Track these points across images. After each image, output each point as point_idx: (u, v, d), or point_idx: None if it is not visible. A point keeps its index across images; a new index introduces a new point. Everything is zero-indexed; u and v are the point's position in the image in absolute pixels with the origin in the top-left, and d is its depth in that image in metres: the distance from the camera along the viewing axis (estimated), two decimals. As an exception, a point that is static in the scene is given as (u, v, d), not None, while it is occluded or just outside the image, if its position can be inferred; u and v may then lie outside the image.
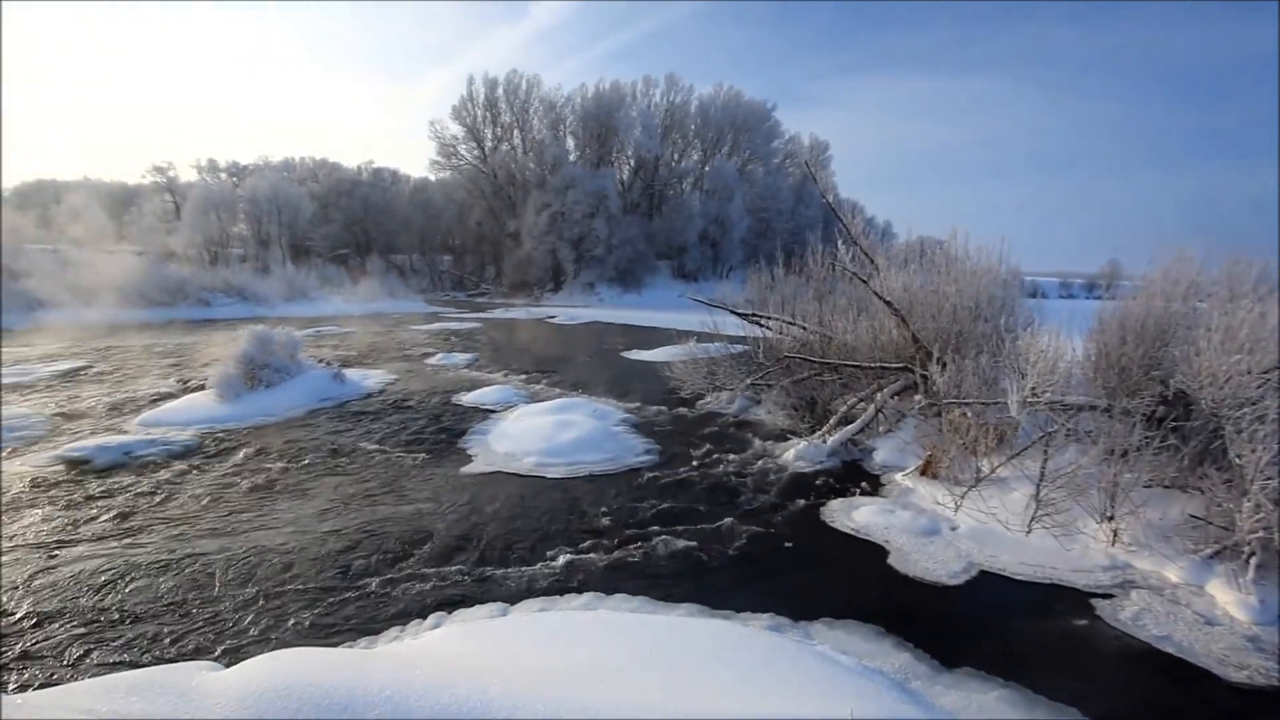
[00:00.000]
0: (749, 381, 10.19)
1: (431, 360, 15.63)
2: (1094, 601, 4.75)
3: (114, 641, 4.08)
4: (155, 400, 10.55)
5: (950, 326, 7.97)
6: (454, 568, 5.16)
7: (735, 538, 5.82)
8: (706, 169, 45.77)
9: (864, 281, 8.53)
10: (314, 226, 42.70)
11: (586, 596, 4.77)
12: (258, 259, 37.90)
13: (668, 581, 5.01)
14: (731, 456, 8.16)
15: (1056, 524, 5.47)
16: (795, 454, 7.96)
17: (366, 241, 44.80)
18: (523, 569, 5.16)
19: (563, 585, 4.92)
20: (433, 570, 5.11)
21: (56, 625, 4.24)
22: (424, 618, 4.47)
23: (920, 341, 7.97)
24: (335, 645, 4.07)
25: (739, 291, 14.03)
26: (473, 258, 47.22)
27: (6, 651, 3.93)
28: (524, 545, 5.58)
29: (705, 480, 7.32)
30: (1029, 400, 5.70)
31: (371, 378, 12.74)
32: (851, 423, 8.29)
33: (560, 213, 38.44)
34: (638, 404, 10.93)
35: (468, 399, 11.01)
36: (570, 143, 44.17)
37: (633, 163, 45.83)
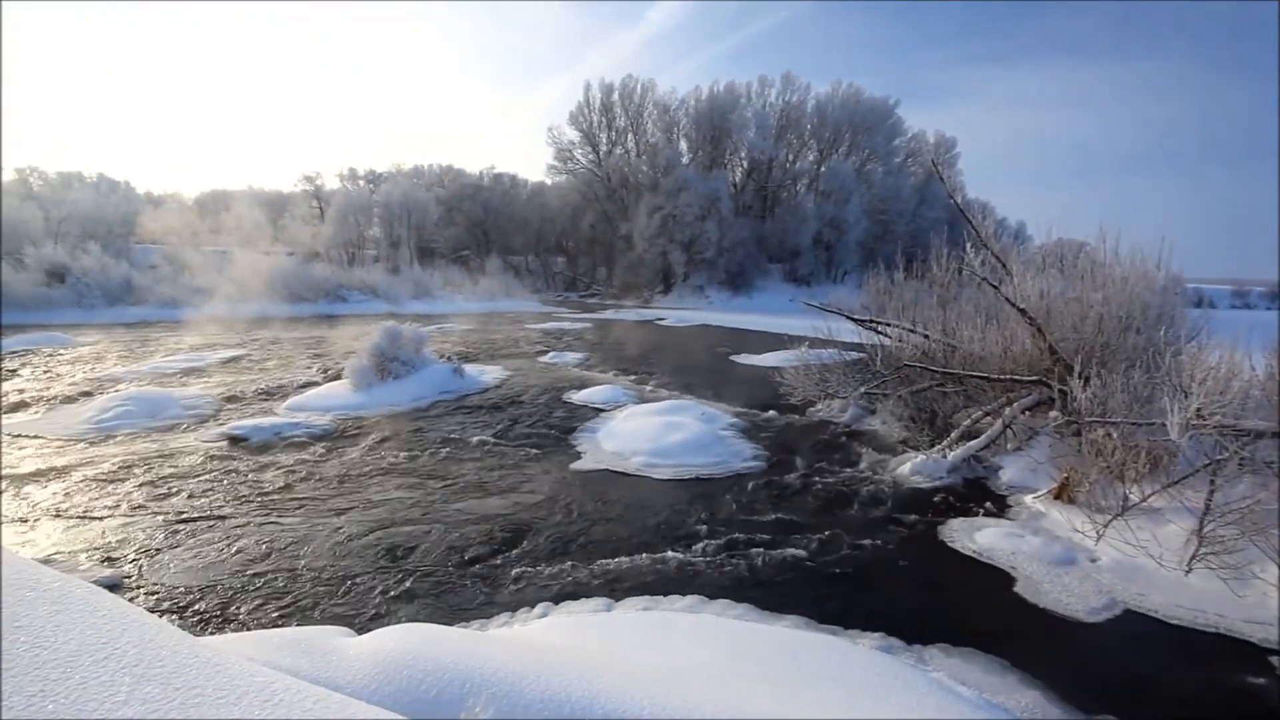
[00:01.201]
0: (863, 390, 9.77)
1: (544, 358, 16.22)
2: (1275, 660, 4.15)
3: (263, 601, 4.55)
4: (300, 387, 11.67)
5: (1095, 338, 7.25)
6: (561, 561, 5.32)
7: (845, 550, 5.60)
8: (822, 170, 44.38)
9: (995, 288, 7.94)
10: (439, 229, 45.57)
11: (690, 599, 4.76)
12: (389, 259, 41.02)
13: (773, 590, 4.90)
14: (842, 467, 7.86)
15: (1224, 565, 4.82)
16: (912, 468, 7.54)
17: (486, 243, 47.19)
18: (627, 566, 5.23)
19: (667, 586, 4.94)
20: (541, 561, 5.30)
21: (216, 583, 4.78)
22: (532, 607, 4.63)
23: (1058, 353, 7.31)
24: (451, 624, 4.31)
25: (854, 296, 13.53)
26: (585, 259, 48.53)
27: (182, 600, 4.49)
28: (629, 543, 5.66)
29: (814, 489, 7.10)
30: (1193, 423, 5.06)
31: (488, 373, 13.40)
32: (975, 438, 7.74)
33: (672, 215, 38.64)
34: (746, 408, 10.79)
35: (578, 397, 11.32)
36: (683, 145, 44.31)
37: (746, 164, 45.26)
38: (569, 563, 5.28)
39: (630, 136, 45.83)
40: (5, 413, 9.52)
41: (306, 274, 31.30)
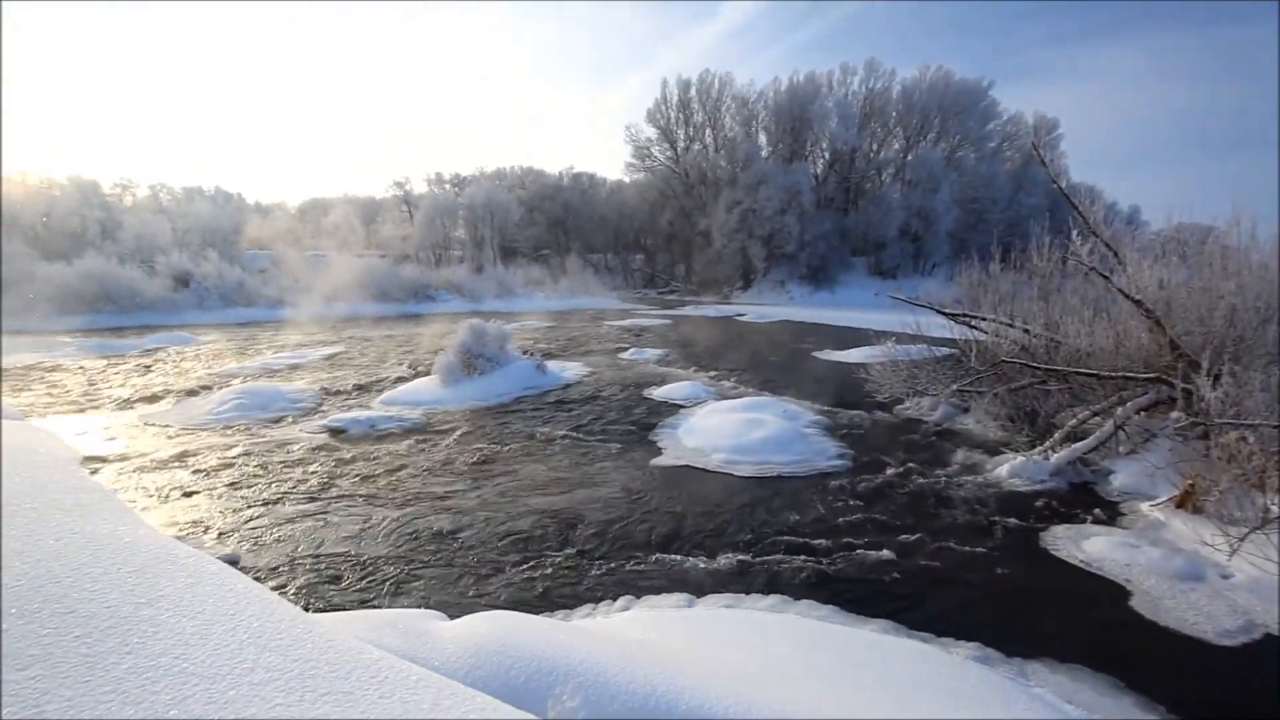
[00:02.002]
0: (955, 387, 9.30)
1: (624, 355, 16.38)
2: None
3: (359, 582, 4.82)
4: (393, 382, 12.29)
5: (1226, 331, 6.59)
6: (641, 555, 5.36)
7: (935, 555, 5.36)
8: (909, 158, 42.59)
9: (1105, 278, 7.36)
10: (520, 229, 46.91)
11: (773, 599, 4.69)
12: (473, 259, 42.59)
13: (859, 593, 4.75)
14: (933, 467, 7.52)
15: (1383, 585, 4.29)
16: (1010, 470, 7.12)
17: (566, 242, 48.16)
18: (708, 563, 5.21)
19: (748, 584, 4.88)
20: (622, 555, 5.35)
21: (319, 563, 5.11)
22: (613, 599, 4.69)
23: (1181, 349, 6.69)
24: (536, 613, 4.42)
25: (944, 290, 12.89)
26: (664, 256, 48.67)
27: (289, 578, 4.83)
28: (710, 540, 5.63)
29: (902, 490, 6.83)
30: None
31: (569, 370, 13.66)
32: (1082, 439, 7.21)
33: (751, 210, 38.13)
34: (830, 406, 10.51)
35: (658, 393, 11.36)
36: (762, 139, 43.61)
37: (828, 156, 44.05)
38: (650, 557, 5.31)
39: (708, 132, 45.57)
40: (144, 403, 10.53)
41: (396, 275, 33.04)
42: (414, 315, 28.12)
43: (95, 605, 2.09)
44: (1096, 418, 7.36)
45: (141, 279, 26.54)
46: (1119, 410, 7.08)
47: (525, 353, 13.42)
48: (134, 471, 7.13)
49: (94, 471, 6.95)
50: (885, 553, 5.36)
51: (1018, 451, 7.55)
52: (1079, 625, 4.38)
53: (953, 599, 4.71)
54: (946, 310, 9.92)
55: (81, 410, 10.04)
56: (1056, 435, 7.49)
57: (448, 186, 53.01)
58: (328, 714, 1.77)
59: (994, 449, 8.05)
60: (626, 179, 50.94)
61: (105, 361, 14.93)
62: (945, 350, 10.51)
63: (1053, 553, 5.43)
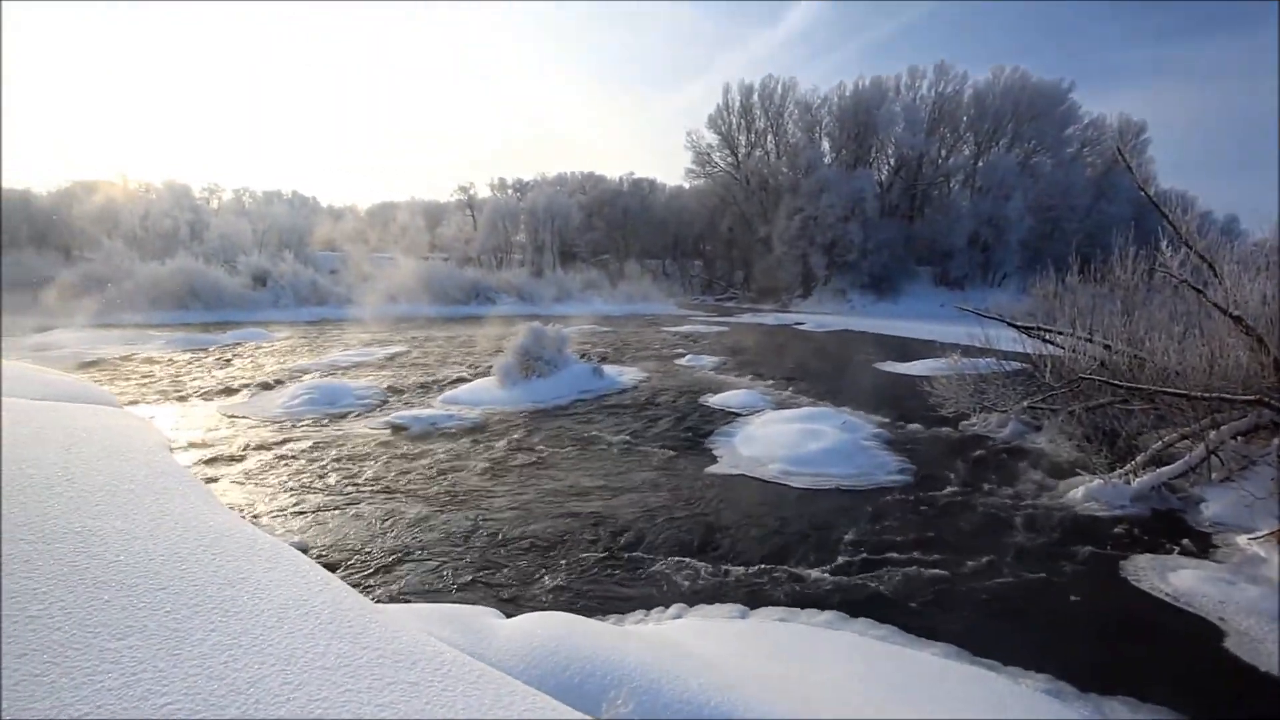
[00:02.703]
0: (1027, 404, 8.89)
1: (680, 361, 16.35)
2: None
3: (418, 576, 4.95)
4: (453, 382, 12.61)
5: (1336, 352, 6.06)
6: (695, 563, 5.31)
7: (1003, 578, 5.12)
8: (979, 164, 41.09)
9: (1199, 291, 6.90)
10: (580, 234, 47.54)
11: (828, 614, 4.57)
12: (533, 263, 43.42)
13: (919, 614, 4.58)
14: (1000, 486, 7.21)
15: None
16: (1086, 493, 6.75)
17: (625, 247, 48.52)
18: (762, 574, 5.12)
19: (803, 598, 4.77)
20: (675, 561, 5.32)
21: (380, 554, 5.27)
22: (665, 606, 4.66)
23: (1284, 369, 6.20)
24: (588, 615, 4.43)
25: (1015, 302, 12.35)
26: (722, 263, 48.46)
27: (353, 567, 5.00)
28: (765, 551, 5.54)
29: (967, 509, 6.57)
30: None
31: (626, 374, 13.73)
32: (1168, 463, 6.77)
33: (812, 217, 37.53)
34: (891, 419, 10.21)
35: (714, 400, 11.28)
36: (825, 145, 42.88)
37: (893, 162, 42.95)
38: (703, 565, 5.26)
39: (770, 137, 45.14)
40: (223, 395, 11.15)
41: (458, 277, 34.01)
42: (474, 317, 28.82)
43: (184, 583, 2.22)
44: (1185, 441, 6.90)
45: (224, 277, 28.14)
46: (1212, 434, 6.62)
47: (582, 356, 13.56)
48: (214, 459, 7.54)
49: (182, 459, 7.39)
50: (948, 573, 5.15)
51: (1095, 474, 7.15)
52: (1164, 664, 4.10)
53: (1022, 626, 4.48)
54: (1019, 323, 9.49)
55: (169, 400, 10.69)
56: (1140, 458, 7.05)
57: (510, 191, 54.29)
58: (394, 702, 1.82)
59: (1068, 470, 7.64)
60: (686, 185, 51.01)
61: (190, 355, 15.88)
62: (1015, 365, 10.06)
63: (1134, 584, 5.11)
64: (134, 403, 10.20)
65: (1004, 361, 10.18)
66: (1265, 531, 5.63)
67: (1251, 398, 6.24)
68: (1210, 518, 6.27)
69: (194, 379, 12.59)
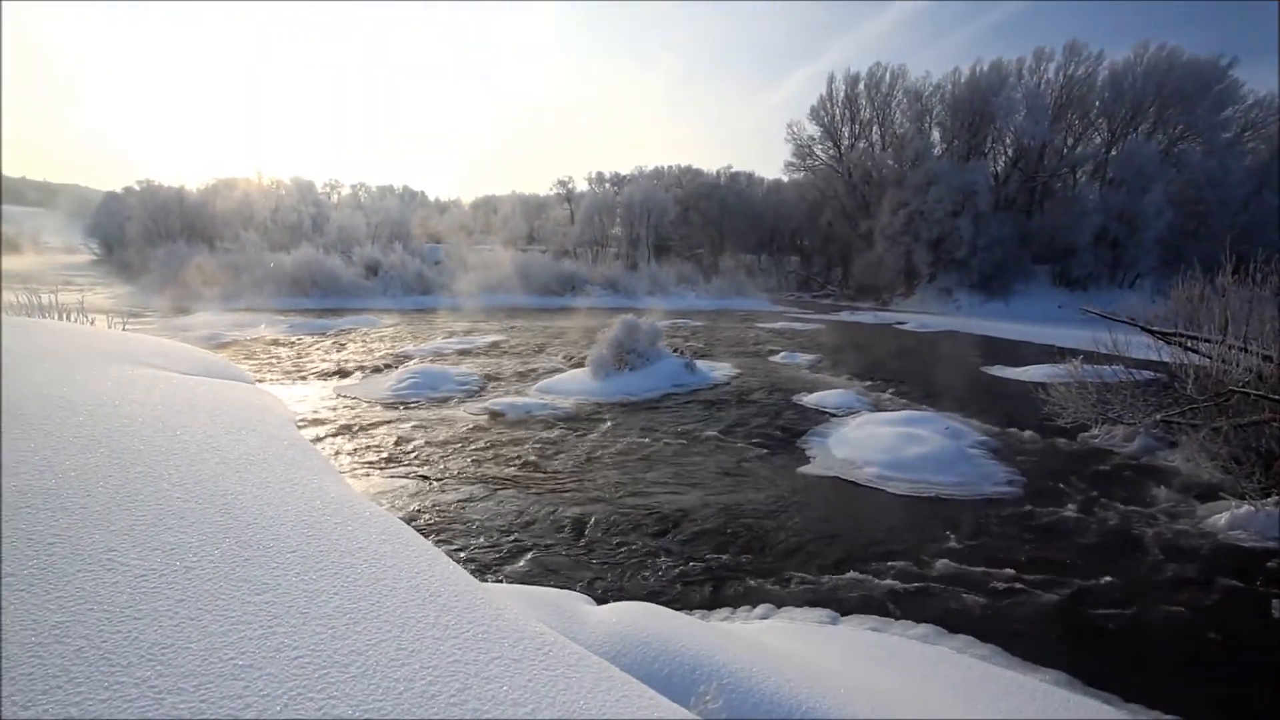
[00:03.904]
0: (1160, 417, 8.08)
1: (775, 358, 16.06)
2: None
3: (513, 557, 5.13)
4: (548, 372, 12.97)
5: None
6: (784, 564, 5.22)
7: (1126, 606, 4.70)
8: (1112, 153, 37.57)
9: (1382, 297, 6.03)
10: (675, 227, 47.56)
11: (925, 628, 4.37)
12: (628, 256, 43.85)
13: (1025, 636, 4.29)
14: (1126, 506, 6.61)
15: None
16: (1231, 519, 6.08)
17: (720, 241, 48.10)
18: (854, 581, 4.96)
19: (898, 609, 4.58)
20: (762, 561, 5.25)
21: (479, 533, 5.50)
22: (753, 606, 4.61)
23: None
24: (675, 608, 4.45)
25: (1149, 305, 11.19)
26: (820, 259, 47.11)
27: (453, 544, 5.25)
28: (858, 556, 5.36)
29: (1086, 528, 6.07)
30: None
31: (718, 370, 13.63)
32: (1336, 492, 5.98)
33: (919, 211, 35.71)
34: (999, 427, 9.60)
35: (808, 400, 11.01)
36: (936, 135, 40.67)
37: (1011, 152, 40.07)
38: (792, 567, 5.15)
39: (875, 128, 43.35)
40: (338, 376, 12.01)
41: (555, 269, 34.91)
42: (570, 308, 29.53)
43: (310, 548, 2.40)
44: (1358, 467, 6.07)
45: (340, 267, 30.26)
46: (1392, 460, 5.78)
47: (676, 350, 13.58)
48: (332, 435, 8.15)
49: (305, 433, 8.03)
50: (1061, 596, 4.80)
51: (1244, 499, 6.42)
52: (1324, 715, 3.64)
53: (1145, 661, 4.10)
54: (1155, 328, 8.63)
55: (292, 379, 11.64)
56: (1298, 483, 6.26)
57: (607, 185, 55.03)
58: (497, 675, 1.89)
59: (1209, 494, 6.92)
60: (785, 178, 49.89)
61: (311, 338, 17.20)
62: (1146, 375, 9.17)
63: (1289, 623, 4.55)
64: (264, 380, 11.17)
65: (1133, 370, 9.30)
66: None
67: None
68: (1388, 556, 5.49)
69: (313, 360, 13.63)
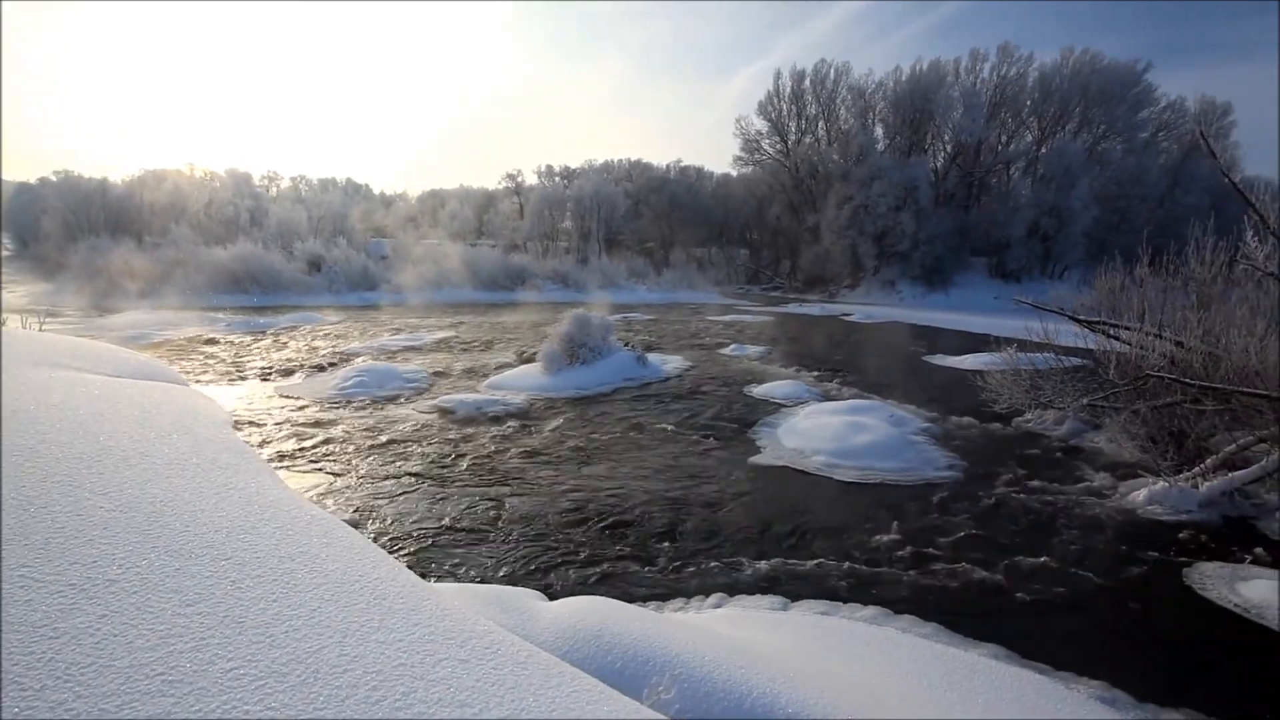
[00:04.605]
0: (1086, 401, 8.52)
1: (725, 350, 16.23)
2: None
3: (462, 556, 5.06)
4: (498, 368, 12.80)
5: None
6: (736, 553, 5.30)
7: (1056, 581, 4.95)
8: (1043, 151, 39.27)
9: (1283, 286, 6.49)
10: (626, 221, 47.43)
11: (871, 610, 4.51)
12: (579, 251, 43.55)
13: (966, 613, 4.48)
14: (1056, 485, 6.96)
15: None
16: (1149, 495, 6.47)
17: (670, 235, 48.21)
18: (804, 567, 5.08)
19: (846, 592, 4.72)
20: (715, 551, 5.32)
21: (426, 533, 5.41)
22: (706, 595, 4.67)
23: (1376, 371, 5.79)
24: (629, 601, 4.47)
25: (1077, 295, 11.76)
26: (768, 252, 47.71)
27: (400, 545, 5.15)
28: (807, 544, 5.49)
29: (1019, 508, 6.36)
30: None
31: (670, 363, 13.70)
32: (1242, 468, 6.42)
33: (863, 206, 36.55)
34: (940, 414, 9.95)
35: (758, 391, 11.18)
36: (879, 131, 41.59)
37: (950, 149, 41.36)
38: (744, 556, 5.24)
39: (821, 124, 44.07)
40: (280, 375, 11.58)
41: (505, 264, 34.42)
42: (520, 303, 29.19)
43: (247, 555, 2.32)
44: (1262, 444, 6.53)
45: (281, 263, 29.15)
46: (1291, 437, 6.24)
47: (627, 344, 13.58)
48: (272, 437, 7.86)
49: (242, 435, 7.72)
50: (998, 573, 5.02)
51: (1159, 476, 6.83)
52: (1233, 678, 3.92)
53: (1075, 631, 4.34)
54: (1081, 317, 9.08)
55: (230, 380, 11.17)
56: (1209, 461, 6.71)
57: (557, 179, 54.46)
58: (445, 678, 1.87)
59: (1129, 471, 7.34)
60: (734, 173, 50.30)
61: (249, 337, 16.53)
62: (1074, 361, 9.65)
63: (1200, 593, 4.88)
64: (199, 381, 10.69)
65: (1062, 357, 9.77)
66: (1349, 543, 5.30)
67: (1338, 400, 5.86)
68: (1287, 526, 5.94)
69: (252, 360, 13.11)
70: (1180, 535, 5.82)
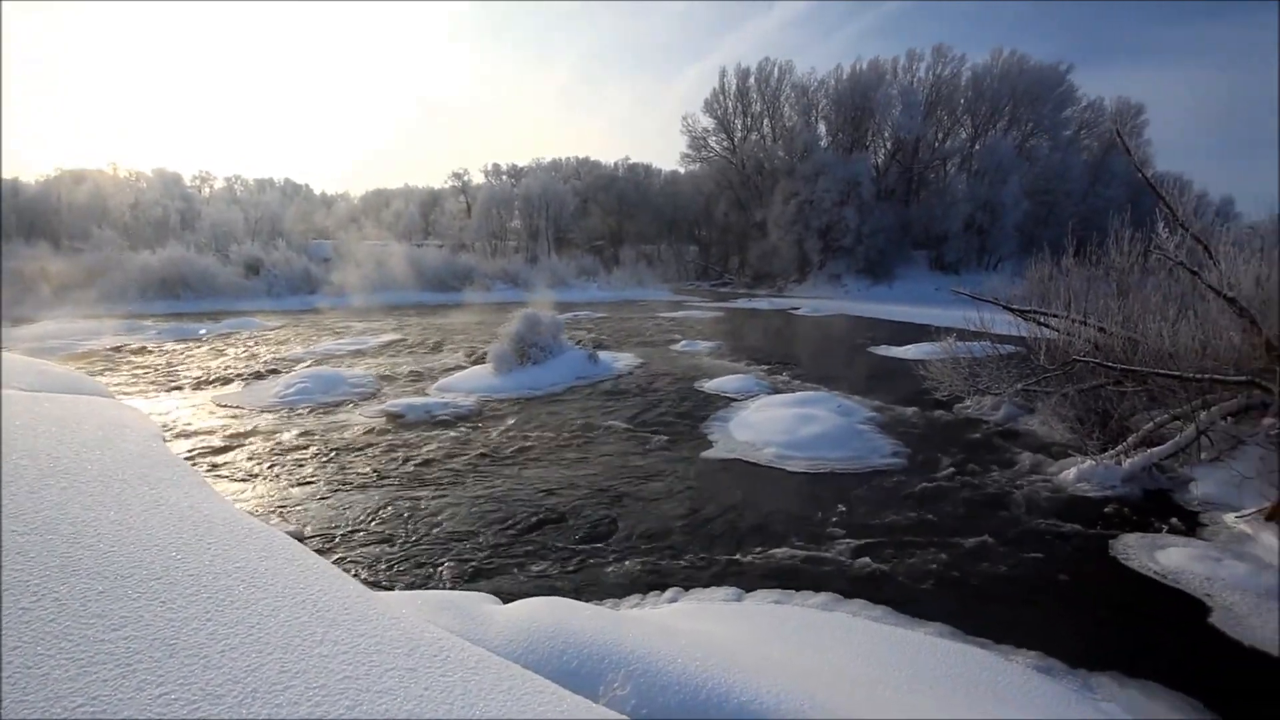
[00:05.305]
0: (1020, 386, 8.92)
1: (676, 346, 16.34)
2: None
3: (414, 562, 4.97)
4: (447, 370, 12.58)
5: (1327, 333, 6.09)
6: (690, 547, 5.35)
7: (995, 559, 5.17)
8: (976, 148, 40.89)
9: (1193, 273, 6.91)
10: (575, 220, 47.16)
11: (823, 596, 4.61)
12: (528, 250, 43.10)
13: (913, 595, 4.63)
14: (994, 468, 7.26)
15: None
16: (1078, 474, 6.81)
17: (620, 233, 48.23)
18: (757, 558, 5.16)
19: (798, 580, 4.82)
20: (670, 546, 5.36)
21: (376, 541, 5.28)
22: (661, 590, 4.70)
23: (1278, 350, 6.23)
24: (585, 600, 4.46)
25: (1010, 285, 12.30)
26: (718, 248, 48.22)
27: (349, 555, 5.01)
28: (760, 534, 5.58)
29: (961, 491, 6.62)
30: None
31: (621, 360, 13.72)
32: (1158, 444, 6.83)
33: (808, 201, 37.32)
34: (885, 402, 10.26)
35: (709, 386, 11.30)
36: (822, 128, 42.54)
37: (890, 145, 42.64)
38: (699, 550, 5.30)
39: (766, 121, 44.78)
40: (217, 384, 11.11)
41: (453, 264, 33.82)
42: (468, 304, 28.73)
43: (179, 573, 2.22)
44: (1176, 422, 6.95)
45: (216, 266, 27.94)
46: (1202, 415, 6.67)
47: (578, 343, 13.53)
48: (208, 449, 7.53)
49: (175, 448, 7.38)
50: (942, 555, 5.20)
51: (1087, 455, 7.20)
52: (1152, 640, 4.17)
53: (1013, 606, 4.54)
54: (1014, 306, 9.50)
55: (162, 390, 10.65)
56: (1131, 439, 7.11)
57: (504, 177, 53.71)
58: (392, 688, 1.83)
59: (1060, 452, 7.71)
60: (682, 170, 50.61)
61: (183, 345, 15.80)
62: (1009, 348, 10.09)
63: (1124, 562, 5.17)
64: (127, 393, 10.16)
65: (998, 345, 10.20)
66: (1252, 509, 5.70)
67: (1243, 379, 6.28)
68: (1199, 497, 6.34)
69: (186, 369, 12.54)
70: (1106, 510, 6.15)
